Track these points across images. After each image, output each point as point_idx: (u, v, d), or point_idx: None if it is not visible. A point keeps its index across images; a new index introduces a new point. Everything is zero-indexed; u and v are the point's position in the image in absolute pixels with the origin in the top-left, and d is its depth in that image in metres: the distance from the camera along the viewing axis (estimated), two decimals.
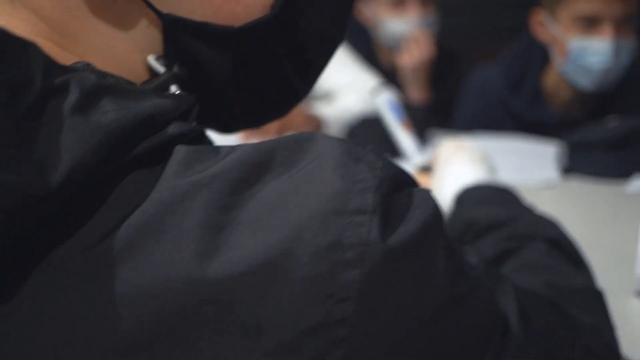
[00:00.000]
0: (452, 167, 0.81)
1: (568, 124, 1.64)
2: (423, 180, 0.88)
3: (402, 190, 0.35)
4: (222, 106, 0.46)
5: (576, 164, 1.27)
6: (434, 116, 1.85)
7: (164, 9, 0.39)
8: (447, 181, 0.79)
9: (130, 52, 0.40)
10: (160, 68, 0.40)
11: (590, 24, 1.47)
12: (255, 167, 0.33)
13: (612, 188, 1.21)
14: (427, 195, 0.36)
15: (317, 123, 1.43)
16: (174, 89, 0.40)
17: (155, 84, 0.39)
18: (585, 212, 1.12)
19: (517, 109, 1.70)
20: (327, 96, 1.82)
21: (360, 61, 1.90)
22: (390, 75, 1.96)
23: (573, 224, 1.06)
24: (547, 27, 1.58)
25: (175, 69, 0.41)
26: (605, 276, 0.84)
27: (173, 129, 0.35)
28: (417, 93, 1.91)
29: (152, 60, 0.40)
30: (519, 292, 0.43)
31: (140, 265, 0.31)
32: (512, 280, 0.46)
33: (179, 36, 0.40)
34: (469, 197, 0.75)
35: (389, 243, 0.32)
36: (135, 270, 0.31)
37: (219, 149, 0.35)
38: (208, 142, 0.41)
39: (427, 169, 0.97)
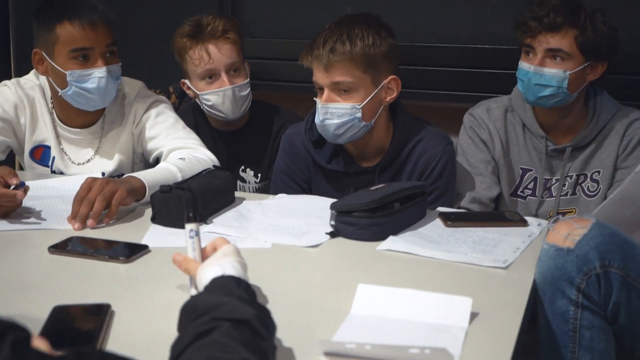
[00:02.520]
0: (223, 262, 1.06)
1: (365, 175, 1.89)
2: None
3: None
4: None
5: (340, 227, 1.49)
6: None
7: None
8: (212, 269, 1.04)
9: None
10: None
11: None
12: None
13: (368, 248, 1.43)
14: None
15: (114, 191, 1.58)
16: None
17: None
18: (334, 271, 1.35)
19: (320, 161, 1.93)
20: (157, 159, 1.96)
21: (192, 127, 2.08)
22: (218, 139, 2.18)
23: (318, 282, 1.28)
24: None
25: None
26: (314, 334, 1.06)
27: None
28: None
29: None
30: None
31: None
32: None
33: None
34: (210, 285, 1.00)
35: None
36: None
37: None
38: None
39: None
